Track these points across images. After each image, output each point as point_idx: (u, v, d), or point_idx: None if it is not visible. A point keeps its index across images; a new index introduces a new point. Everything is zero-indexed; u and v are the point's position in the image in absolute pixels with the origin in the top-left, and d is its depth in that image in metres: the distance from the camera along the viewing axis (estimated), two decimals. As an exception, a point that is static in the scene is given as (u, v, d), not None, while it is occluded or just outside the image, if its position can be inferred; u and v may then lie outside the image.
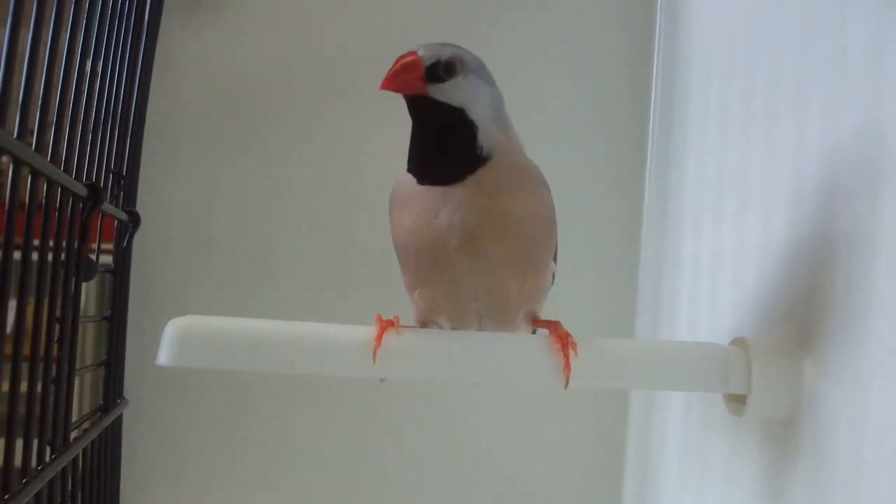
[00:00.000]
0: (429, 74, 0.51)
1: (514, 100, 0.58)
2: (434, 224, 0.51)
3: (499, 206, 0.51)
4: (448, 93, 0.51)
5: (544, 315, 0.57)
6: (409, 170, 0.53)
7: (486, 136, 0.52)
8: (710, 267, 0.69)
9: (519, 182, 0.53)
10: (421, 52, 0.51)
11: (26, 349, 0.52)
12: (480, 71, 0.53)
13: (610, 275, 0.89)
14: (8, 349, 0.48)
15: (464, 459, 0.88)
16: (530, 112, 0.88)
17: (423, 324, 0.57)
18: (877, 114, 0.48)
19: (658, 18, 0.89)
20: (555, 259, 0.58)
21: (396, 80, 0.51)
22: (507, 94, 0.57)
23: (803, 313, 0.53)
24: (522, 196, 0.52)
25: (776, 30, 0.61)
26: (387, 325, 0.52)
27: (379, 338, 0.51)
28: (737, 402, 0.55)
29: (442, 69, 0.51)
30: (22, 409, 0.51)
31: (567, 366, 0.52)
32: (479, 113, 0.52)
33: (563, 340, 0.53)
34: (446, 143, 0.52)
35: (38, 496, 0.53)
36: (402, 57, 0.51)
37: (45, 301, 0.55)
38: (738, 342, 0.56)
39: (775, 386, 0.53)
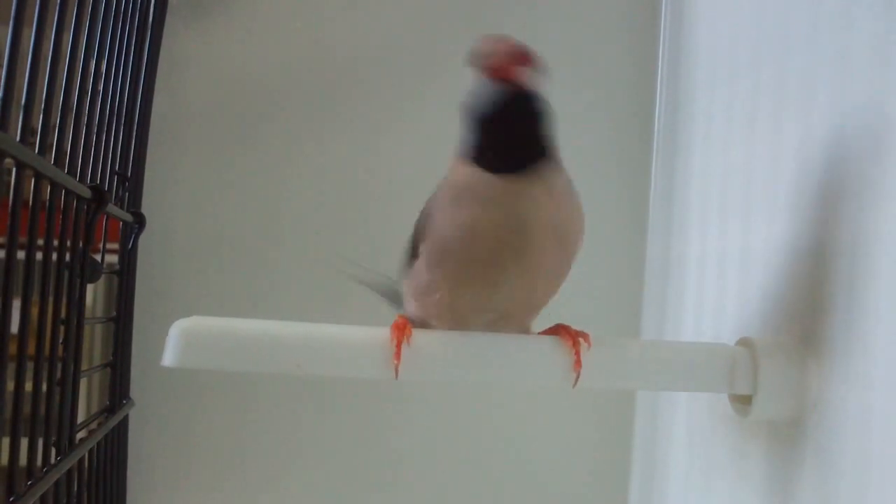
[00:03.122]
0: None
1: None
2: (500, 218, 0.50)
3: (562, 212, 0.51)
4: (531, 80, 0.51)
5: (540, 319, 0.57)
6: (479, 160, 0.51)
7: (548, 130, 0.52)
8: (715, 267, 0.69)
9: (571, 194, 0.53)
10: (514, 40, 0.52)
11: (32, 350, 0.52)
12: None
13: (615, 275, 0.88)
14: (13, 350, 0.48)
15: (470, 460, 0.88)
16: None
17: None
18: (882, 114, 0.47)
19: (663, 18, 0.88)
20: None
21: (514, 68, 0.51)
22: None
23: (809, 314, 0.53)
24: (576, 207, 0.53)
25: (781, 29, 0.61)
26: (401, 337, 0.51)
27: (398, 354, 0.51)
28: (742, 402, 0.55)
29: (530, 58, 0.52)
30: (27, 410, 0.51)
31: (578, 362, 0.52)
32: (543, 107, 0.52)
33: (574, 338, 0.53)
34: (524, 128, 0.51)
35: (43, 498, 0.53)
36: (500, 39, 0.51)
37: (50, 302, 0.55)
38: (743, 342, 0.56)
39: (781, 386, 0.53)
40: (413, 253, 0.56)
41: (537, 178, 0.51)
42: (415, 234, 0.56)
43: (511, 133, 0.51)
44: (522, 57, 0.51)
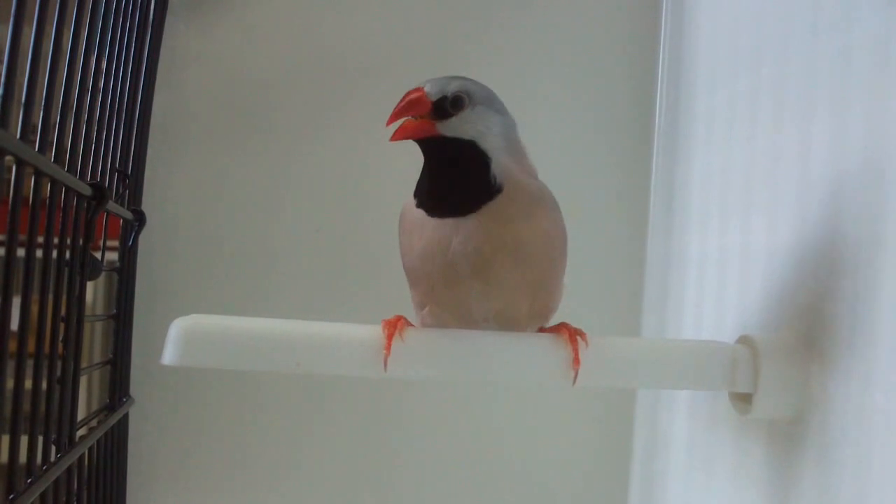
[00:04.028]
0: (436, 111, 0.51)
1: (520, 100, 0.58)
2: (446, 252, 0.51)
3: (511, 233, 0.51)
4: (458, 127, 0.52)
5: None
6: (419, 204, 0.53)
7: (499, 165, 0.52)
8: (716, 265, 0.69)
9: (532, 209, 0.53)
10: (427, 88, 0.52)
11: (31, 347, 0.52)
12: (489, 101, 0.54)
13: (616, 273, 0.88)
14: (13, 347, 0.48)
15: (470, 460, 0.88)
16: (537, 112, 0.89)
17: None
18: (882, 113, 0.47)
19: (663, 17, 0.88)
20: None
21: (407, 128, 0.52)
22: (513, 94, 0.57)
23: (810, 312, 0.53)
24: (535, 222, 0.53)
25: (782, 29, 0.61)
26: (393, 331, 0.52)
27: (388, 347, 0.51)
28: (743, 400, 0.55)
29: (449, 104, 0.51)
30: (27, 408, 0.51)
31: (576, 360, 0.52)
32: (490, 143, 0.52)
33: (572, 335, 0.53)
34: (460, 176, 0.52)
35: (43, 496, 0.53)
36: (408, 93, 0.52)
37: (50, 300, 0.55)
38: (744, 341, 0.56)
39: (782, 385, 0.53)
40: None
41: (476, 214, 0.51)
42: None
43: (445, 180, 0.53)
44: (413, 103, 0.52)
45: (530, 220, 0.52)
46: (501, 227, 0.51)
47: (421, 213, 0.53)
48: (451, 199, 0.52)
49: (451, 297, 0.53)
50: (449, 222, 0.51)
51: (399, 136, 0.52)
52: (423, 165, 0.54)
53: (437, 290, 0.54)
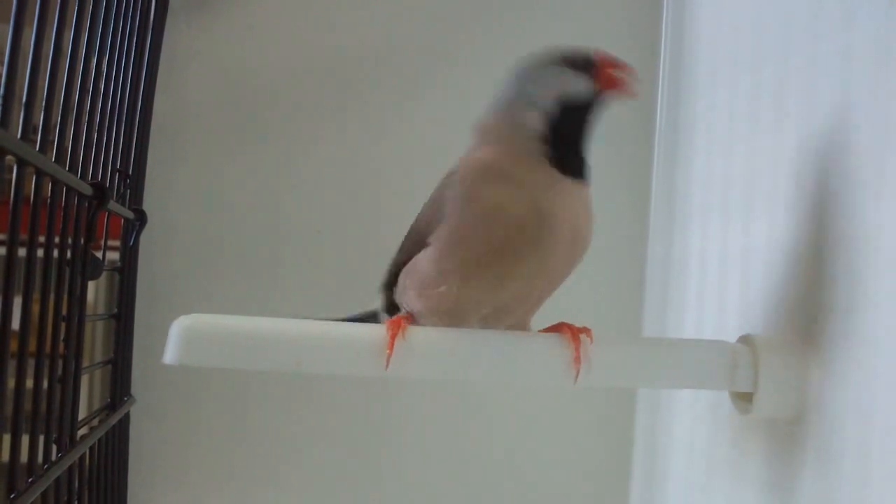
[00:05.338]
0: None
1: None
2: (530, 204, 0.52)
3: (581, 218, 0.54)
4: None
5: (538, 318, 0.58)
6: (549, 154, 0.54)
7: None
8: (717, 264, 0.69)
9: (591, 206, 0.56)
10: None
11: (33, 347, 0.52)
12: None
13: (617, 273, 0.88)
14: (14, 347, 0.48)
15: (469, 460, 0.88)
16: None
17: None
18: (883, 112, 0.47)
19: (665, 17, 0.88)
20: None
21: (629, 88, 0.56)
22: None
23: (810, 311, 0.53)
24: (592, 219, 0.56)
25: (782, 29, 0.61)
26: (396, 330, 0.52)
27: (391, 346, 0.51)
28: (743, 400, 0.55)
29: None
30: (28, 407, 0.51)
31: (577, 358, 0.52)
32: None
33: (575, 334, 0.53)
34: (585, 144, 0.56)
35: (44, 495, 0.53)
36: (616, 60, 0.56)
37: (51, 299, 0.55)
38: (745, 340, 0.56)
39: (782, 384, 0.53)
40: (411, 248, 0.57)
41: (579, 183, 0.54)
42: (420, 226, 0.56)
43: (586, 138, 0.56)
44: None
45: (591, 210, 0.56)
46: (586, 208, 0.55)
47: (525, 161, 0.54)
48: (579, 161, 0.55)
49: (494, 263, 0.52)
50: (557, 181, 0.53)
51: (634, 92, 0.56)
52: (569, 117, 0.56)
53: (485, 253, 0.52)
